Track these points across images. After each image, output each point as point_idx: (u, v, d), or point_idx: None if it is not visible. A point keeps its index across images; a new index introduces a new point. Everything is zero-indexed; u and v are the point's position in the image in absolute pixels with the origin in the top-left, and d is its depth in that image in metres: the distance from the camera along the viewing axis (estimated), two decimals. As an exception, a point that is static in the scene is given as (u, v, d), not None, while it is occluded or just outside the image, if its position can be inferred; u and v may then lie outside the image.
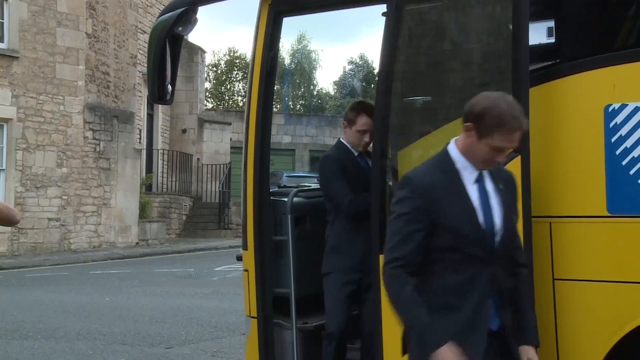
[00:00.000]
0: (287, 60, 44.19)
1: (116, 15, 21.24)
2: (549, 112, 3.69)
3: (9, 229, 16.72)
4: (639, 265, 3.45)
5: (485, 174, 3.13)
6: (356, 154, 4.84)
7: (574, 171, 3.63)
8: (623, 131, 3.53)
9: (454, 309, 3.02)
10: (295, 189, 5.08)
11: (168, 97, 4.79)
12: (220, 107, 41.20)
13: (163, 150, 25.75)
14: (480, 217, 3.05)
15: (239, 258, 4.94)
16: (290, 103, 43.37)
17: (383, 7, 4.20)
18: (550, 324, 3.62)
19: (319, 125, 35.70)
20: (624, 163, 3.52)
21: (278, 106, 35.88)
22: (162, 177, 25.28)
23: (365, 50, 62.48)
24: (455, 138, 3.16)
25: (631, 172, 3.50)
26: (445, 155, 3.14)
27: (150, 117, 25.61)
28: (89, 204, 19.76)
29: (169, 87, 4.76)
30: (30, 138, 18.44)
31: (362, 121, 4.78)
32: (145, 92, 22.65)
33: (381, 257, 4.05)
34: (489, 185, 3.12)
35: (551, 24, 4.05)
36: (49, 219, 18.78)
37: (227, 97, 45.38)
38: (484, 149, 3.02)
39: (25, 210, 17.85)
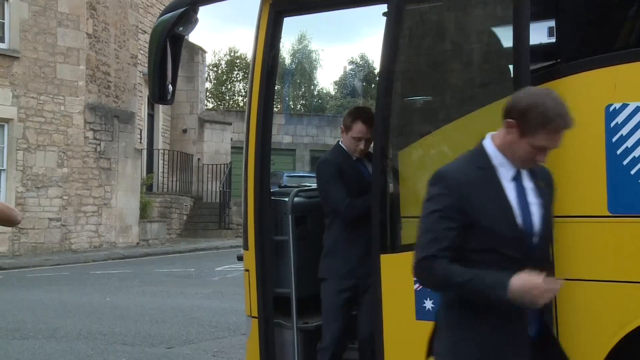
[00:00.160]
0: (287, 60, 44.26)
1: (117, 15, 21.24)
2: (549, 112, 3.69)
3: (9, 229, 16.71)
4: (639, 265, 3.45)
5: (524, 171, 2.98)
6: (354, 158, 4.80)
7: (574, 171, 3.63)
8: (624, 131, 3.52)
9: (489, 317, 2.88)
10: (296, 189, 5.07)
11: (169, 97, 4.79)
12: (221, 107, 41.21)
13: (164, 150, 25.75)
14: (518, 216, 2.90)
15: (240, 258, 4.94)
16: (290, 103, 43.36)
17: (384, 7, 4.20)
18: (551, 324, 3.61)
19: (320, 125, 35.71)
20: (624, 163, 3.52)
21: (279, 106, 35.88)
22: (163, 177, 25.29)
23: (366, 50, 62.59)
24: (492, 133, 3.01)
25: (632, 172, 3.50)
26: (480, 151, 2.98)
27: (151, 117, 25.61)
28: (89, 204, 19.76)
29: (170, 87, 4.75)
30: (31, 138, 18.44)
31: (357, 128, 4.73)
32: (145, 92, 22.67)
33: (382, 258, 4.07)
34: (528, 184, 2.98)
35: (552, 23, 4.05)
36: (50, 219, 18.78)
37: (227, 97, 45.37)
38: (526, 148, 2.88)
39: (25, 210, 17.85)
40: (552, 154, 3.67)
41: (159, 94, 4.73)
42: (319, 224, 4.89)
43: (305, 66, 45.56)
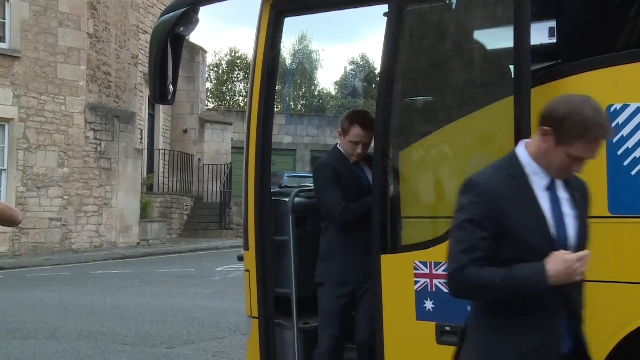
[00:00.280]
0: (288, 60, 44.29)
1: (117, 15, 21.25)
2: (550, 112, 3.68)
3: (10, 228, 16.71)
4: (640, 265, 3.45)
5: (558, 181, 2.87)
6: (351, 161, 4.76)
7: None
8: (625, 131, 3.52)
9: (521, 329, 2.79)
10: (297, 189, 5.07)
11: (169, 97, 4.79)
12: (221, 107, 41.21)
13: (164, 150, 25.75)
14: (552, 227, 2.80)
15: (240, 258, 4.94)
16: (291, 103, 43.37)
17: (384, 7, 4.20)
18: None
19: (320, 125, 35.71)
20: (625, 163, 3.52)
21: (279, 106, 35.89)
22: (163, 177, 25.29)
23: (367, 51, 62.60)
24: (525, 141, 2.92)
25: (632, 173, 3.50)
26: (512, 159, 2.88)
27: (152, 117, 25.62)
28: (90, 203, 19.76)
29: (170, 87, 4.75)
30: (32, 138, 18.45)
31: (354, 132, 4.68)
32: (146, 92, 22.67)
33: (382, 258, 4.07)
34: (562, 194, 2.87)
35: (553, 24, 4.05)
36: (50, 219, 18.79)
37: (228, 97, 45.37)
38: (561, 157, 2.77)
39: (26, 210, 17.85)
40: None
41: (160, 94, 4.73)
42: (319, 225, 4.88)
43: (305, 66, 45.57)
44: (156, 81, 4.69)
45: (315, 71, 46.99)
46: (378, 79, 4.41)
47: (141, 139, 23.43)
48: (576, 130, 2.71)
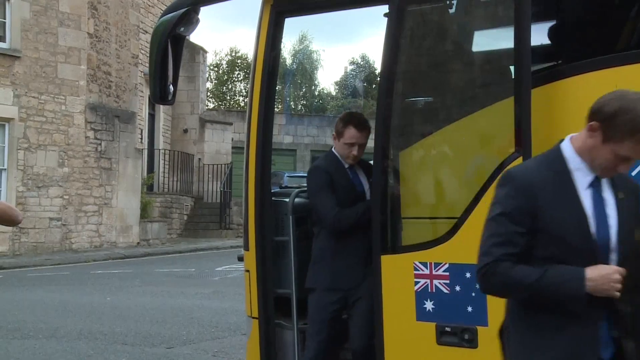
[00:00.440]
0: (288, 61, 44.28)
1: (118, 15, 21.25)
2: (551, 113, 3.68)
3: (10, 228, 16.72)
4: None
5: (603, 179, 2.74)
6: (347, 166, 4.69)
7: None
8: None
9: (556, 333, 2.68)
10: (297, 190, 5.07)
11: (170, 97, 4.79)
12: (222, 107, 41.22)
13: (164, 150, 25.76)
14: (593, 227, 2.66)
15: (240, 258, 4.94)
16: (291, 103, 43.38)
17: (385, 8, 4.20)
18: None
19: (320, 125, 35.71)
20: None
21: (280, 106, 35.90)
22: (164, 177, 25.29)
23: (367, 51, 62.70)
24: (571, 135, 2.79)
25: (633, 173, 3.50)
26: (556, 153, 2.76)
27: (152, 117, 25.62)
28: (90, 203, 19.76)
29: (171, 87, 4.75)
30: (32, 138, 18.45)
31: (350, 134, 4.63)
32: (146, 92, 22.68)
33: (382, 258, 4.07)
34: (607, 193, 2.74)
35: (553, 24, 4.05)
36: (50, 219, 18.79)
37: (228, 97, 45.39)
38: (607, 155, 2.65)
39: (26, 209, 17.86)
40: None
41: (160, 94, 4.73)
42: (319, 225, 4.88)
43: (306, 66, 45.57)
44: (157, 81, 4.69)
45: (315, 71, 47.04)
46: (378, 79, 4.40)
47: (141, 139, 23.43)
48: (626, 128, 2.59)
